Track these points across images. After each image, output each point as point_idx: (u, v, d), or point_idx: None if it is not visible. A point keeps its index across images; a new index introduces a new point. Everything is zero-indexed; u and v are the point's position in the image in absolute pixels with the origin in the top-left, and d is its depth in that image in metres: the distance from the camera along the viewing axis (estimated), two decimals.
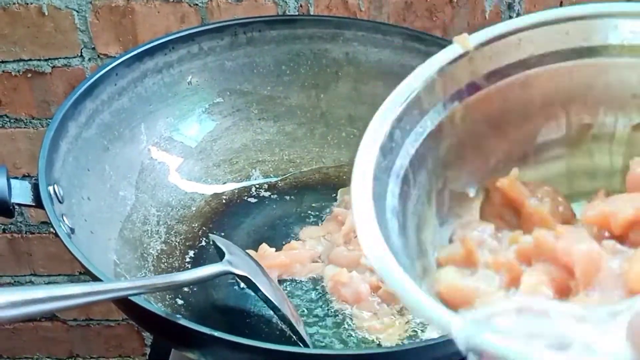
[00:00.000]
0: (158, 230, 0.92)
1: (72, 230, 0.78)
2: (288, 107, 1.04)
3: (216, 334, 0.66)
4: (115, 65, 0.92)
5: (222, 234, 0.92)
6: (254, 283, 0.76)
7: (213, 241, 0.83)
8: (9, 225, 1.28)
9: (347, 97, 1.03)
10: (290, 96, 1.03)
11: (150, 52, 0.95)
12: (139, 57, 0.94)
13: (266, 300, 0.77)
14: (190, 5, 1.08)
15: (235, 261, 0.76)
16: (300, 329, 0.78)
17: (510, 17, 1.08)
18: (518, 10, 1.07)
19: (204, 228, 0.94)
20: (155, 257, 0.89)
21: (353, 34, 1.02)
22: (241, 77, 1.02)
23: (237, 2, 1.08)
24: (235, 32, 1.00)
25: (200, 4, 1.08)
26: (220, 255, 0.78)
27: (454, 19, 1.08)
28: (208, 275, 0.73)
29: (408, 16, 1.08)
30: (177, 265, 0.89)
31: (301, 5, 1.08)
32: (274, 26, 1.01)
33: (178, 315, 0.73)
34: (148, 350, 1.35)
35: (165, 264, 0.89)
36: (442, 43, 0.99)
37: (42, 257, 1.31)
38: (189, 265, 0.89)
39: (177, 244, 0.91)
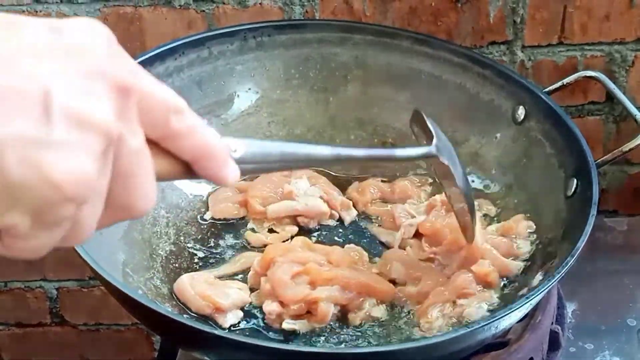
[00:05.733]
0: (167, 232, 0.92)
1: None
2: (297, 110, 1.04)
3: (218, 332, 0.66)
4: None
5: (231, 234, 0.94)
6: (452, 174, 0.77)
7: (418, 119, 0.81)
8: None
9: (355, 100, 1.04)
10: (299, 99, 1.04)
11: (161, 57, 0.96)
12: (150, 62, 0.95)
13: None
14: (197, 11, 1.09)
15: (441, 147, 0.77)
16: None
17: (514, 22, 1.08)
18: (522, 14, 1.07)
19: (213, 230, 0.94)
20: (164, 258, 0.90)
21: (362, 37, 1.02)
22: (250, 81, 1.02)
23: (243, 8, 1.08)
24: (245, 37, 1.01)
25: (207, 10, 1.09)
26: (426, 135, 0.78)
27: (458, 23, 1.08)
28: (417, 155, 0.77)
29: (413, 21, 1.08)
30: (185, 266, 0.89)
31: (307, 11, 1.08)
32: (283, 30, 1.02)
33: (185, 316, 0.73)
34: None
35: (174, 264, 0.89)
36: (450, 46, 1.00)
37: (52, 262, 1.32)
38: (197, 267, 0.89)
39: (185, 245, 0.92)
